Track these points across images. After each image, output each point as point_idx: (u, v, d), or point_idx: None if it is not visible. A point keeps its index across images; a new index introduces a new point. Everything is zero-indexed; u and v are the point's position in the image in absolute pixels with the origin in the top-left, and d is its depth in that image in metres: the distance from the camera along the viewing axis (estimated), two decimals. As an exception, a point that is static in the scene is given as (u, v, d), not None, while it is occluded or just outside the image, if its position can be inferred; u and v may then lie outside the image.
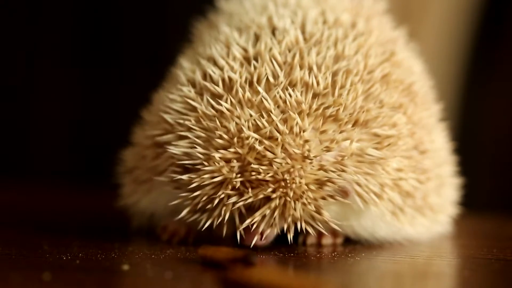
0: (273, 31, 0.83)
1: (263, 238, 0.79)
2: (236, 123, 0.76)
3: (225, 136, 0.76)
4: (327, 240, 0.85)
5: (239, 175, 0.76)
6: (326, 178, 0.76)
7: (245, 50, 0.82)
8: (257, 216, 0.76)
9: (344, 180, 0.77)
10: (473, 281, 0.71)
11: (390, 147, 0.79)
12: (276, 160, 0.75)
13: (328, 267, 0.76)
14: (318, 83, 0.78)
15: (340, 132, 0.77)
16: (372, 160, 0.78)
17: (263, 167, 0.75)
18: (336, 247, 0.84)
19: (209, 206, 0.77)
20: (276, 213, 0.76)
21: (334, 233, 0.85)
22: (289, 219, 0.76)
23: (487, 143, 1.57)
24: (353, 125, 0.78)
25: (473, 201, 1.03)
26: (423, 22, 1.56)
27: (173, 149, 0.78)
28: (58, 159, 1.67)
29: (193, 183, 0.76)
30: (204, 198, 0.77)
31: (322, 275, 0.72)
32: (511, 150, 1.55)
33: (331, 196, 0.77)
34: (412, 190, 0.83)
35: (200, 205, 0.77)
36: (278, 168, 0.75)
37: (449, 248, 0.93)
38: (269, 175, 0.75)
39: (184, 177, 0.77)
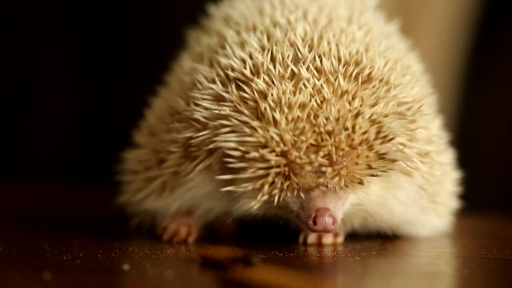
0: (280, 27, 0.83)
1: (334, 222, 0.76)
2: (277, 91, 0.76)
3: (272, 104, 0.75)
4: (327, 239, 0.85)
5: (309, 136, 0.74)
6: (379, 125, 0.76)
7: (260, 39, 0.82)
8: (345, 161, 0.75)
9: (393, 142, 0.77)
10: (472, 281, 0.71)
11: (419, 111, 0.80)
12: (331, 114, 0.75)
13: (328, 267, 0.76)
14: (344, 55, 0.79)
15: (379, 88, 0.78)
16: (411, 118, 0.79)
17: (325, 121, 0.74)
18: (337, 247, 0.84)
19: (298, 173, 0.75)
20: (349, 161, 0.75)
21: (334, 232, 0.85)
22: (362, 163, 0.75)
23: (487, 143, 1.57)
24: (386, 84, 0.79)
25: (473, 200, 1.03)
26: (423, 22, 1.56)
27: (225, 144, 0.76)
28: (58, 159, 1.67)
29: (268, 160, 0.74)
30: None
31: (322, 275, 0.72)
32: (511, 150, 1.55)
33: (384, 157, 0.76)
34: (434, 164, 0.84)
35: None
36: (337, 118, 0.75)
37: (448, 247, 0.93)
38: (331, 125, 0.74)
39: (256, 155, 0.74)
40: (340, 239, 0.85)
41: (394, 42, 0.89)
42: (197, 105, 0.79)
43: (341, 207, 0.78)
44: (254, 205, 0.76)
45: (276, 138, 0.74)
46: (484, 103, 1.57)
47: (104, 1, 1.63)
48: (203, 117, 0.78)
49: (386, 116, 0.77)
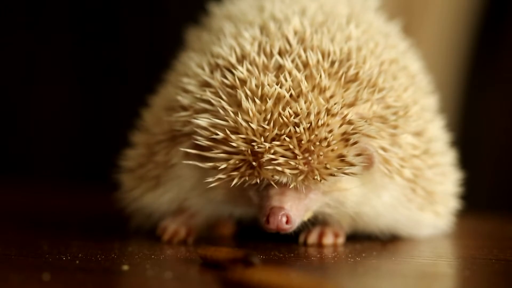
0: (275, 22, 0.84)
1: (288, 221, 0.77)
2: (256, 81, 0.77)
3: (248, 92, 0.76)
4: (327, 240, 0.85)
5: (273, 128, 0.75)
6: (349, 126, 0.76)
7: (254, 32, 0.82)
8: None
9: (369, 143, 0.77)
10: (473, 282, 0.71)
11: (405, 116, 0.80)
12: (302, 108, 0.75)
13: (329, 268, 0.76)
14: (334, 52, 0.79)
15: (363, 89, 0.78)
16: (393, 123, 0.79)
17: (293, 113, 0.75)
18: (337, 248, 0.84)
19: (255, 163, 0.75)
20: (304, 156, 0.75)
21: (335, 233, 0.85)
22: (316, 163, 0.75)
23: (488, 143, 1.57)
24: (372, 87, 0.79)
25: (474, 201, 1.03)
26: (425, 22, 1.56)
27: (198, 122, 0.77)
28: (58, 159, 1.67)
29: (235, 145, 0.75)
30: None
31: (323, 276, 0.72)
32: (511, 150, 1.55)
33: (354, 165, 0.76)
34: (423, 168, 0.83)
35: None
36: (308, 113, 0.75)
37: (449, 248, 0.93)
38: (298, 118, 0.75)
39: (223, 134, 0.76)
40: (341, 240, 0.85)
41: (393, 42, 0.89)
42: (184, 90, 0.81)
43: (302, 207, 0.78)
44: (212, 182, 0.77)
45: (244, 125, 0.75)
46: (485, 103, 1.57)
47: (104, 1, 1.63)
48: (187, 101, 0.80)
49: (363, 118, 0.77)
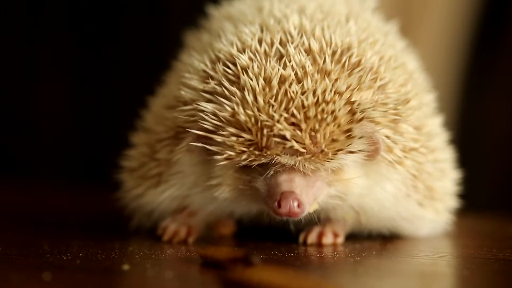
0: (275, 19, 0.84)
1: (299, 205, 0.77)
2: (258, 68, 0.77)
3: (251, 75, 0.76)
4: (327, 239, 0.85)
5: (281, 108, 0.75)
6: (354, 106, 0.76)
7: (254, 29, 0.83)
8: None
9: (374, 129, 0.77)
10: (472, 281, 0.71)
11: (405, 107, 0.80)
12: (309, 86, 0.76)
13: (328, 267, 0.76)
14: (336, 44, 0.80)
15: (365, 76, 0.78)
16: (394, 111, 0.79)
17: (300, 90, 0.76)
18: (337, 247, 0.84)
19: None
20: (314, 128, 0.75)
21: (334, 233, 0.85)
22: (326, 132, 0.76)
23: (487, 142, 1.57)
24: (374, 74, 0.79)
25: (473, 200, 1.03)
26: (424, 22, 1.56)
27: (204, 107, 0.77)
28: (58, 159, 1.67)
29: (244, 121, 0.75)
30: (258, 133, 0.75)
31: (322, 275, 0.72)
32: (511, 150, 1.55)
33: (361, 150, 0.77)
34: (423, 162, 0.83)
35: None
36: (314, 90, 0.75)
37: (448, 247, 0.93)
38: (305, 95, 0.75)
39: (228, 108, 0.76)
40: (340, 239, 0.85)
41: (392, 41, 0.89)
42: (186, 86, 0.81)
43: (310, 194, 0.78)
44: (221, 160, 0.77)
45: (251, 101, 0.75)
46: (483, 103, 1.57)
47: (104, 2, 1.63)
48: (190, 95, 0.80)
49: (367, 102, 0.77)
